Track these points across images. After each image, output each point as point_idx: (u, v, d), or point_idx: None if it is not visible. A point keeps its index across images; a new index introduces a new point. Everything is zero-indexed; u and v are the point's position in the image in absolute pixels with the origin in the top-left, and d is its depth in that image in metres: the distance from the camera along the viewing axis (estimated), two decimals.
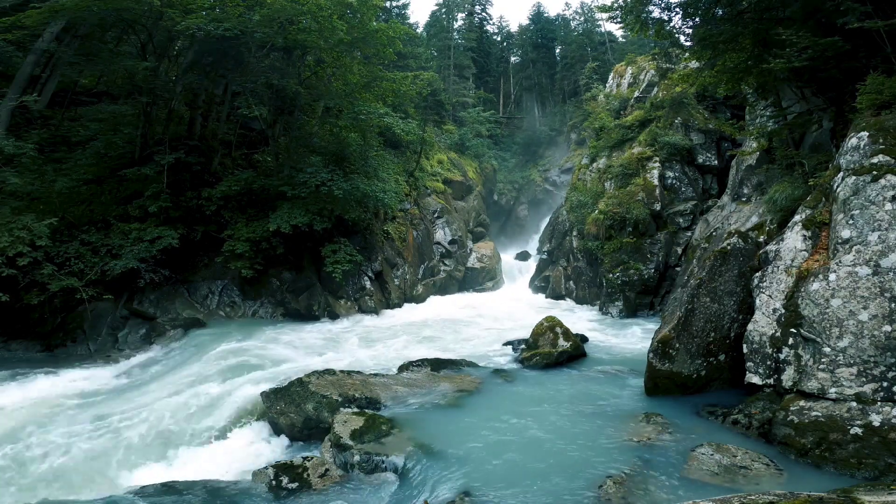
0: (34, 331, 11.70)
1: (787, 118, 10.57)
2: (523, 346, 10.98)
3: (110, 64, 13.75)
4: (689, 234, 17.09)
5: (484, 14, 50.71)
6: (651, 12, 11.48)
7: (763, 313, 6.62)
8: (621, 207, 17.53)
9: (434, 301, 20.27)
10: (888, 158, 6.06)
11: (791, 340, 6.19)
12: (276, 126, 16.80)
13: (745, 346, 6.71)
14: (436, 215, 24.08)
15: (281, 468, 5.77)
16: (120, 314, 12.75)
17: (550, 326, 10.58)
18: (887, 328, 5.50)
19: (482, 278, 24.18)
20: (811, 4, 8.34)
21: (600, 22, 46.02)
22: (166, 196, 13.54)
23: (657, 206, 17.50)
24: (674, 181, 18.16)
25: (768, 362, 6.40)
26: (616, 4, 11.61)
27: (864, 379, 5.54)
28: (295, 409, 7.20)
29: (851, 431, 5.32)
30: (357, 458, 5.86)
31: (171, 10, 13.21)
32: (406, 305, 18.66)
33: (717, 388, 7.39)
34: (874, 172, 6.03)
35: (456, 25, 45.72)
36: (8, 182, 11.13)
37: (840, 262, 6.00)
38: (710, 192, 18.23)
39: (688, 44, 12.33)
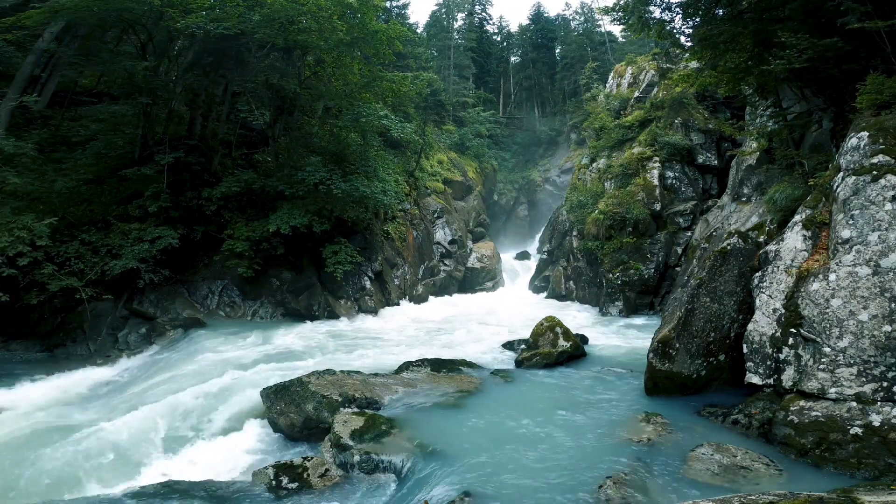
0: (34, 331, 11.71)
1: (787, 118, 10.56)
2: (523, 346, 10.98)
3: (110, 64, 13.75)
4: (689, 234, 17.09)
5: (484, 14, 50.78)
6: (652, 13, 11.49)
7: (763, 313, 6.62)
8: (621, 207, 17.53)
9: (434, 301, 20.28)
10: (888, 158, 6.05)
11: (791, 340, 6.19)
12: (276, 126, 16.80)
13: (745, 346, 6.70)
14: (436, 215, 24.08)
15: (281, 468, 5.77)
16: (120, 314, 12.75)
17: (550, 326, 10.57)
18: (887, 328, 5.50)
19: (482, 278, 24.19)
20: (811, 4, 8.34)
21: (600, 22, 46.07)
22: (166, 196, 13.54)
23: (657, 206, 17.50)
24: (674, 181, 18.16)
25: (768, 362, 6.40)
26: (617, 5, 11.62)
27: (864, 379, 5.54)
28: (295, 409, 7.19)
29: (851, 431, 5.32)
30: (357, 458, 5.86)
31: (172, 10, 13.21)
32: (406, 305, 18.66)
33: (717, 388, 7.39)
34: (874, 172, 6.03)
35: (456, 25, 45.76)
36: (8, 182, 11.13)
37: (840, 262, 5.99)
38: (710, 192, 18.24)
39: (688, 44, 12.33)
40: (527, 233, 35.25)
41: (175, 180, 14.11)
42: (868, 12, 7.40)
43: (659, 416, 6.63)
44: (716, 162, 18.36)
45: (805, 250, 6.67)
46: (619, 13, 11.73)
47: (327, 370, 8.32)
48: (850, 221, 6.05)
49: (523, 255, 29.19)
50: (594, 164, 21.56)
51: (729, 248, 7.82)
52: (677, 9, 11.24)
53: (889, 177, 5.91)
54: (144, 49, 14.46)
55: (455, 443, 6.10)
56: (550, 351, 9.90)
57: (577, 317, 16.20)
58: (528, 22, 52.31)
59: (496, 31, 54.20)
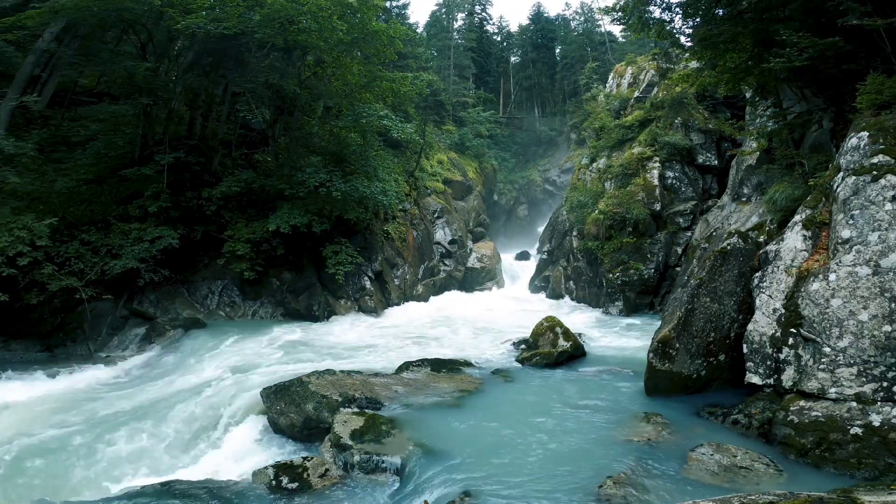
0: (34, 331, 11.70)
1: (787, 118, 10.56)
2: (523, 345, 10.97)
3: (110, 64, 13.75)
4: (689, 234, 17.09)
5: (484, 14, 50.78)
6: (652, 13, 11.48)
7: (763, 313, 6.62)
8: (621, 207, 17.53)
9: (434, 301, 20.27)
10: (888, 158, 6.05)
11: (791, 340, 6.19)
12: (276, 126, 16.80)
13: (745, 346, 6.71)
14: (436, 215, 24.08)
15: (281, 468, 5.77)
16: (120, 314, 12.75)
17: (550, 326, 10.57)
18: (887, 328, 5.50)
19: (482, 278, 24.18)
20: (811, 3, 8.33)
21: (600, 22, 46.11)
22: (166, 196, 13.54)
23: (657, 206, 17.50)
24: (674, 181, 18.16)
25: (768, 362, 6.40)
26: (617, 5, 11.62)
27: (864, 379, 5.54)
28: (295, 409, 7.19)
29: (851, 431, 5.32)
30: (357, 458, 5.86)
31: (172, 10, 13.21)
32: (406, 305, 18.66)
33: (717, 388, 7.39)
34: (874, 172, 6.03)
35: (456, 25, 45.75)
36: (8, 182, 11.13)
37: (840, 262, 5.99)
38: (710, 192, 18.24)
39: (688, 44, 12.32)
40: (527, 233, 35.25)
41: (175, 180, 14.11)
42: (868, 12, 7.40)
43: (659, 416, 6.64)
44: (716, 162, 18.35)
45: (805, 250, 6.67)
46: (619, 13, 11.72)
47: (327, 370, 8.32)
48: (850, 221, 6.05)
49: (523, 255, 29.17)
50: (594, 164, 21.55)
51: (729, 248, 7.81)
52: (677, 9, 11.23)
53: (889, 177, 5.91)
54: (144, 49, 14.46)
55: (455, 443, 6.10)
56: (550, 351, 9.90)
57: (577, 317, 16.20)
58: (528, 22, 52.42)
59: (496, 31, 54.24)
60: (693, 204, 17.72)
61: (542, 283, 22.82)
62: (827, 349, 5.82)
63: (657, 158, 18.35)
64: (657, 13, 11.52)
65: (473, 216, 28.58)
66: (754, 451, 5.60)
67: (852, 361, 5.63)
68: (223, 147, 16.52)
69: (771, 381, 6.34)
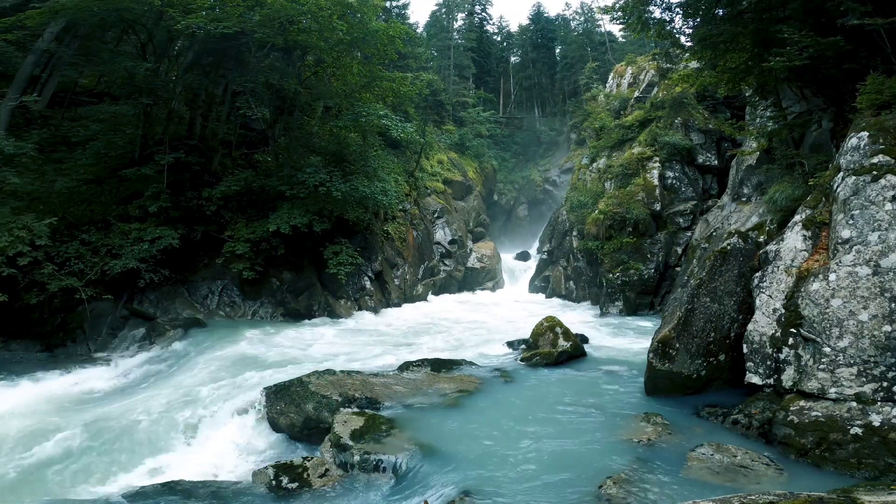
0: (34, 331, 11.69)
1: (787, 118, 10.56)
2: (523, 346, 10.98)
3: (110, 64, 13.74)
4: (689, 234, 17.10)
5: (484, 14, 50.78)
6: (652, 13, 11.48)
7: (763, 313, 6.62)
8: (621, 207, 17.54)
9: (434, 301, 20.29)
10: (888, 158, 6.05)
11: (791, 340, 6.19)
12: (276, 126, 16.80)
13: (745, 346, 6.70)
14: (436, 215, 24.08)
15: (281, 468, 5.77)
16: (120, 314, 12.74)
17: (550, 326, 10.57)
18: (887, 328, 5.50)
19: (482, 278, 24.19)
20: (811, 3, 8.34)
21: (600, 22, 46.12)
22: (166, 196, 13.53)
23: (657, 206, 17.50)
24: (674, 181, 18.17)
25: (768, 362, 6.40)
26: (617, 5, 11.61)
27: (864, 379, 5.54)
28: (295, 409, 7.19)
29: (851, 431, 5.32)
30: (357, 458, 5.86)
31: (172, 10, 13.21)
32: (406, 305, 18.67)
33: (717, 388, 7.39)
34: (874, 172, 6.03)
35: (456, 25, 45.75)
36: (8, 182, 11.12)
37: (840, 262, 5.99)
38: (710, 192, 18.26)
39: (688, 44, 12.32)
40: (527, 233, 35.25)
41: (175, 180, 14.10)
42: (868, 12, 7.40)
43: (659, 416, 6.63)
44: (716, 162, 18.36)
45: (805, 250, 6.67)
46: (619, 13, 11.71)
47: (327, 370, 8.32)
48: (850, 221, 6.05)
49: (523, 255, 29.18)
50: (594, 164, 21.57)
51: (729, 248, 7.81)
52: (677, 9, 11.23)
53: (889, 177, 5.91)
54: (144, 49, 14.45)
55: (455, 442, 6.10)
56: (550, 351, 9.90)
57: (577, 317, 16.20)
58: (528, 22, 52.41)
59: (496, 31, 54.25)
60: (693, 204, 17.74)
61: (542, 283, 22.83)
62: (827, 349, 5.82)
63: (657, 158, 18.37)
64: (657, 13, 11.51)
65: (473, 216, 28.59)
66: (754, 450, 5.60)
67: (852, 361, 5.63)
68: (223, 147, 16.51)
69: (771, 381, 6.34)
